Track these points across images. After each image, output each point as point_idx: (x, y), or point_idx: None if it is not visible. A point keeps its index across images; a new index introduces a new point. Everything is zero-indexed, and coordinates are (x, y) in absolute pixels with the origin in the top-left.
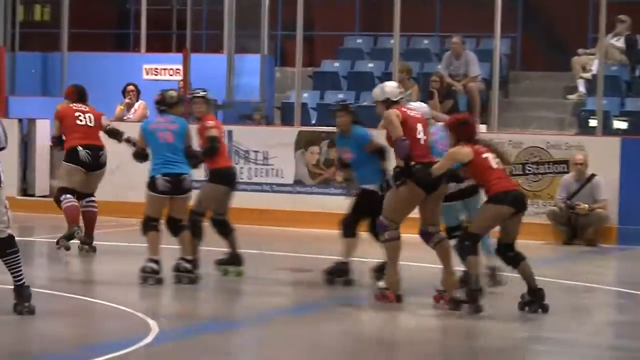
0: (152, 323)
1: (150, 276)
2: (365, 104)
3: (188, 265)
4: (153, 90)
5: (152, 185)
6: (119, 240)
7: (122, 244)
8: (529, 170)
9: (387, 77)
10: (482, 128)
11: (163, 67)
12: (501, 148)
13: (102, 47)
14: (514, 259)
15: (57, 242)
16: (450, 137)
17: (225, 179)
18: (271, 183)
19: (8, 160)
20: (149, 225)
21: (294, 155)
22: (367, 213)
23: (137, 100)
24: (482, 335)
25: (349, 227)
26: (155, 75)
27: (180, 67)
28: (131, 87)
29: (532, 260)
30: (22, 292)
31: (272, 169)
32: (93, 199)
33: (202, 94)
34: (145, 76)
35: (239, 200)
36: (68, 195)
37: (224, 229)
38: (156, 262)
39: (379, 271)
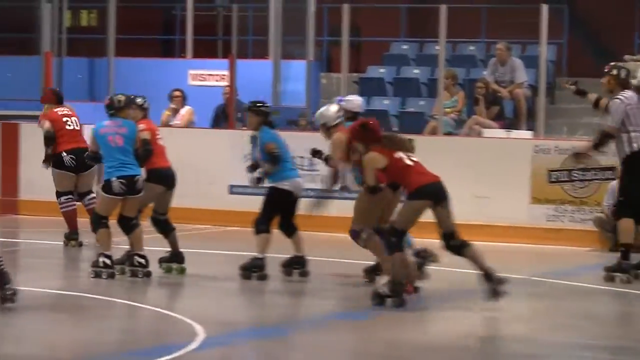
0: (198, 328)
1: (105, 271)
2: (411, 110)
3: (142, 260)
4: (199, 96)
5: (107, 187)
6: (158, 245)
7: (162, 248)
8: (576, 177)
9: (433, 83)
10: (528, 134)
11: (209, 72)
12: (400, 136)
13: (148, 53)
14: (459, 247)
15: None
16: (359, 147)
17: (162, 179)
18: (318, 189)
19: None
20: (100, 223)
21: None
22: (278, 211)
23: (183, 106)
24: (523, 341)
25: (262, 224)
26: (201, 80)
27: (226, 72)
28: (177, 93)
29: (580, 268)
30: (4, 278)
31: (318, 174)
32: (93, 195)
33: (138, 101)
34: (191, 82)
35: None
36: (63, 199)
37: (164, 229)
38: (109, 257)
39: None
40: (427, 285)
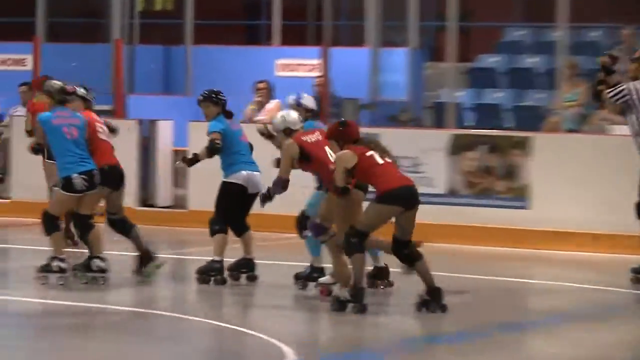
0: (286, 349)
1: (59, 275)
2: (527, 103)
3: (102, 264)
4: (287, 88)
5: (68, 185)
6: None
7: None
8: None
9: (552, 73)
10: None
11: (298, 62)
12: (382, 142)
13: (231, 40)
14: (409, 257)
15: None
16: (334, 146)
17: (106, 178)
18: (422, 193)
19: (126, 167)
20: (54, 225)
21: (447, 162)
22: (234, 208)
23: (269, 100)
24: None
25: (216, 224)
26: (290, 71)
27: (318, 62)
28: (262, 85)
29: None
30: None
31: (423, 177)
32: None
33: (80, 92)
34: (278, 72)
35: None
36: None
37: (122, 228)
38: (63, 260)
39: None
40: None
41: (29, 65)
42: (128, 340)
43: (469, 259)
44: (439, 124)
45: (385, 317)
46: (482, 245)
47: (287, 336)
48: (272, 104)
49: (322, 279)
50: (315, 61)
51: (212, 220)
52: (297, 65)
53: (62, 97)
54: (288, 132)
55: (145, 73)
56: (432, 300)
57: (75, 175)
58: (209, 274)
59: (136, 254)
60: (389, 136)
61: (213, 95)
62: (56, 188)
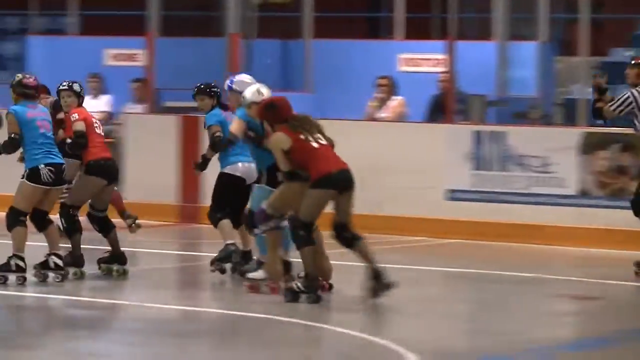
0: (411, 357)
1: (17, 275)
2: None
3: (59, 261)
4: (411, 84)
5: (34, 176)
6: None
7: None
8: None
9: None
10: None
11: (422, 57)
12: (310, 117)
13: (351, 34)
14: (351, 240)
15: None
16: (265, 126)
17: (103, 171)
18: (551, 194)
19: None
20: (19, 220)
21: (578, 162)
22: (230, 199)
23: (391, 96)
24: None
25: (216, 212)
26: (414, 66)
27: (443, 57)
28: (384, 81)
29: None
30: None
31: (552, 177)
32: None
33: (69, 86)
34: (401, 67)
35: (511, 214)
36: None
37: (102, 227)
38: (22, 259)
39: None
40: None
41: (141, 61)
42: (243, 347)
43: (601, 263)
44: (569, 121)
45: (510, 325)
46: (615, 249)
47: (414, 343)
48: (395, 100)
49: (251, 274)
50: (439, 56)
51: (211, 212)
52: (421, 60)
53: (30, 92)
54: (251, 106)
55: (262, 68)
56: (376, 280)
57: (42, 166)
58: (227, 259)
59: (109, 250)
60: (517, 134)
61: (207, 88)
62: (22, 179)
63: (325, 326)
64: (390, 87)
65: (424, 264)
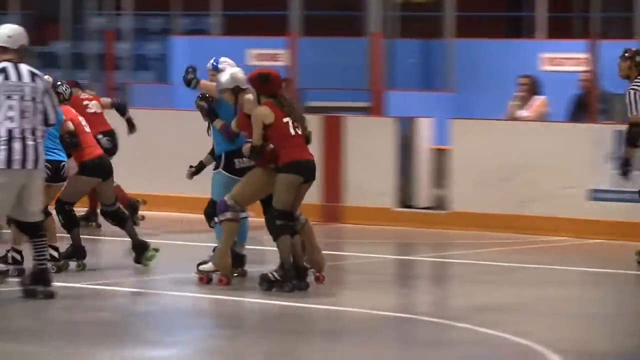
0: (553, 357)
1: (17, 267)
2: None
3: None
4: (552, 83)
5: None
6: (516, 261)
7: (515, 265)
8: None
9: None
10: None
11: (564, 56)
12: (300, 111)
13: (492, 33)
14: (294, 228)
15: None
16: (253, 95)
17: (96, 170)
18: None
19: (384, 166)
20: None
21: None
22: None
23: (532, 95)
24: None
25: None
26: (556, 65)
27: (585, 56)
28: (525, 80)
29: None
30: (43, 276)
31: None
32: None
33: (60, 87)
34: (542, 67)
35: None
36: None
37: (117, 219)
38: (19, 252)
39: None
40: None
41: (284, 60)
42: (386, 346)
43: None
44: None
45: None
46: None
47: (556, 344)
48: (537, 100)
49: (203, 266)
50: (582, 55)
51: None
52: (563, 59)
53: None
54: (237, 90)
55: (404, 68)
56: (285, 278)
57: None
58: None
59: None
60: None
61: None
62: None
63: (467, 326)
64: (532, 86)
65: (565, 264)
